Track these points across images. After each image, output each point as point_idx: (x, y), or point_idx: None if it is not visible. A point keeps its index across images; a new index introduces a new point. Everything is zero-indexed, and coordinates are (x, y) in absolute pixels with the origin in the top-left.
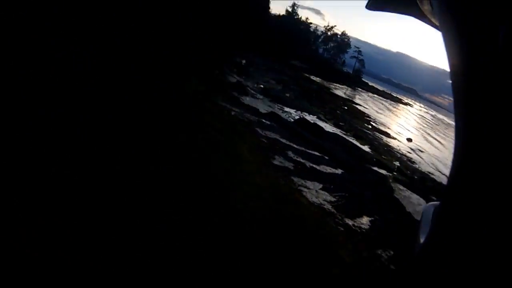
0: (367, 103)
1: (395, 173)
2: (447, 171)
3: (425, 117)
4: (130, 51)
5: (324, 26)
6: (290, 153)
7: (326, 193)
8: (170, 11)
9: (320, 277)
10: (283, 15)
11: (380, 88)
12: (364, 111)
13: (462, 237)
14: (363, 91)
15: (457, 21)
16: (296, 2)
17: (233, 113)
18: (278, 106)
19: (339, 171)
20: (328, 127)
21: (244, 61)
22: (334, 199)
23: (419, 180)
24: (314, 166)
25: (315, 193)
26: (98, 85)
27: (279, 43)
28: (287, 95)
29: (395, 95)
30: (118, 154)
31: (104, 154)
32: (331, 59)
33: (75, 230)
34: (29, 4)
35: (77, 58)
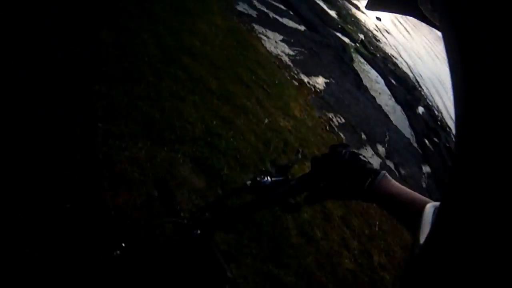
0: None
1: (357, 44)
2: (409, 60)
3: None
4: None
5: None
6: (255, 1)
7: (285, 45)
8: None
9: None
10: None
11: None
12: None
13: (466, 238)
14: None
15: (457, 21)
16: None
17: None
18: None
19: (302, 28)
20: None
21: None
22: (293, 53)
23: (381, 59)
24: (277, 17)
25: (274, 44)
26: None
27: None
28: None
29: None
30: None
31: None
32: None
33: None
34: None
35: None
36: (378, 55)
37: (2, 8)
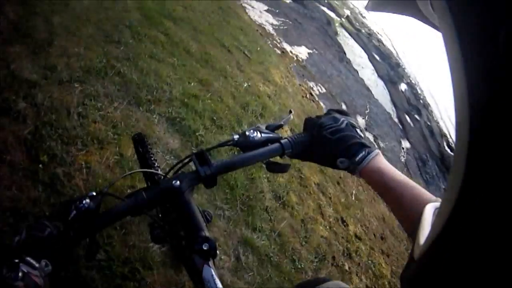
0: None
1: (343, 20)
2: (394, 38)
3: None
4: None
5: None
6: None
7: (269, 15)
8: None
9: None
10: None
11: None
12: None
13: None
14: None
15: (457, 21)
16: None
17: None
18: None
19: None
20: None
21: None
22: (277, 23)
23: (366, 35)
24: None
25: (259, 13)
26: None
27: None
28: None
29: None
30: None
31: None
32: None
33: None
34: None
35: None
36: (363, 30)
37: None
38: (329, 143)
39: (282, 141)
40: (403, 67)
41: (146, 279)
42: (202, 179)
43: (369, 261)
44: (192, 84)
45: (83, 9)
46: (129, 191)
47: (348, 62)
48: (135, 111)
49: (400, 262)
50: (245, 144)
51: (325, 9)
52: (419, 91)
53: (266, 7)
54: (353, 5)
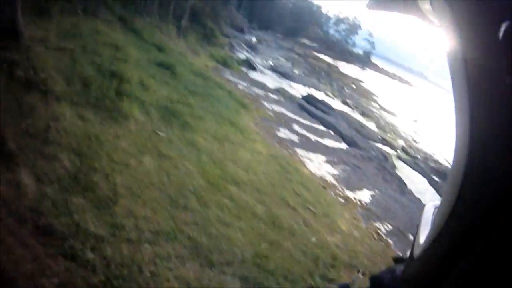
0: (375, 83)
1: (398, 151)
2: (449, 153)
3: (432, 100)
4: None
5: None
6: (296, 126)
7: (328, 165)
8: None
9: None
10: None
11: (390, 70)
12: (371, 90)
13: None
14: (372, 71)
15: (457, 20)
16: None
17: (240, 87)
18: (286, 82)
19: (343, 146)
20: (335, 104)
21: (254, 39)
22: (337, 171)
23: (422, 160)
24: (318, 139)
25: (318, 165)
26: None
27: (290, 22)
28: (296, 72)
29: (404, 78)
30: None
31: None
32: (342, 40)
33: None
34: None
35: None
36: (418, 156)
37: None
38: None
39: None
40: None
41: None
42: None
43: None
44: (262, 245)
45: (145, 172)
46: None
47: (410, 192)
48: (208, 272)
49: None
50: None
51: (379, 145)
52: None
53: (324, 158)
54: (405, 133)
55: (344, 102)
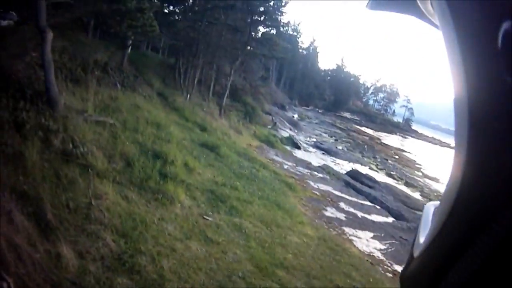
0: (416, 151)
1: None
2: None
3: None
4: None
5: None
6: (342, 204)
7: (376, 241)
8: None
9: None
10: (333, 68)
11: (429, 135)
12: (414, 158)
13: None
14: (413, 138)
15: (457, 20)
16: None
17: (285, 166)
18: (330, 158)
19: (390, 219)
20: (379, 177)
21: (295, 116)
22: (384, 247)
23: None
24: (365, 216)
25: (366, 242)
26: None
27: (330, 96)
28: (339, 147)
29: (444, 141)
30: None
31: None
32: (382, 109)
33: None
34: None
35: None
36: None
37: None
38: None
39: None
40: None
41: None
42: None
43: None
44: None
45: (193, 257)
46: None
47: None
48: None
49: None
50: None
51: None
52: None
53: (371, 234)
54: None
55: (388, 174)
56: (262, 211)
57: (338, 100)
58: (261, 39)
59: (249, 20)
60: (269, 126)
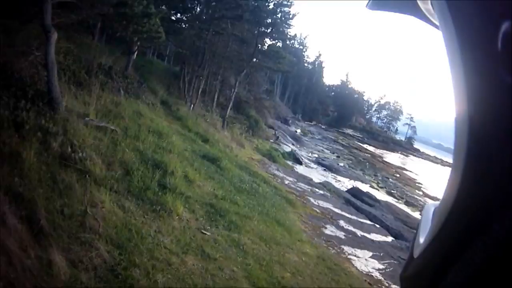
0: (418, 170)
1: None
2: None
3: None
4: None
5: (380, 97)
6: (342, 222)
7: (375, 261)
8: None
9: None
10: (337, 84)
11: (431, 153)
12: (415, 177)
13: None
14: (415, 157)
15: (457, 20)
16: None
17: (286, 182)
18: (331, 175)
19: (389, 239)
20: (380, 195)
21: (298, 130)
22: (383, 266)
23: None
24: (365, 234)
25: (365, 262)
26: None
27: (334, 112)
28: (341, 164)
29: (445, 160)
30: None
31: None
32: (384, 127)
33: None
34: None
35: None
36: None
37: None
38: None
39: None
40: None
41: None
42: None
43: None
44: None
45: (188, 272)
46: None
47: None
48: None
49: None
50: None
51: None
52: None
53: (370, 253)
54: None
55: (389, 193)
56: (261, 227)
57: (342, 116)
58: (267, 52)
59: (256, 32)
60: (272, 140)
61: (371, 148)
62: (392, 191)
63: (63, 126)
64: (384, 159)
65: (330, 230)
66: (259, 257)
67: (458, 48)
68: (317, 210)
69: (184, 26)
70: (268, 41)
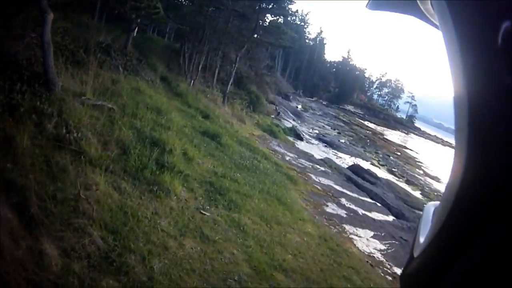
0: (418, 149)
1: None
2: None
3: None
4: None
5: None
6: (343, 200)
7: (376, 241)
8: None
9: None
10: (339, 61)
11: (432, 133)
12: (415, 156)
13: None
14: (416, 136)
15: (457, 20)
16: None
17: (287, 158)
18: (332, 151)
19: (390, 218)
20: (381, 173)
21: (299, 106)
22: (384, 247)
23: None
24: (366, 213)
25: (366, 241)
26: None
27: (335, 88)
28: (342, 140)
29: (446, 140)
30: None
31: None
32: (385, 105)
33: None
34: None
35: None
36: None
37: None
38: None
39: None
40: None
41: None
42: None
43: None
44: None
45: (186, 256)
46: None
47: None
48: None
49: None
50: None
51: None
52: None
53: (372, 233)
54: None
55: (390, 171)
56: (262, 206)
57: (343, 93)
58: (268, 27)
59: (257, 7)
60: (273, 116)
61: (372, 125)
62: (393, 169)
63: (58, 107)
64: (385, 136)
65: (331, 208)
66: (260, 238)
67: (458, 48)
68: (318, 187)
69: (184, 2)
70: (269, 17)
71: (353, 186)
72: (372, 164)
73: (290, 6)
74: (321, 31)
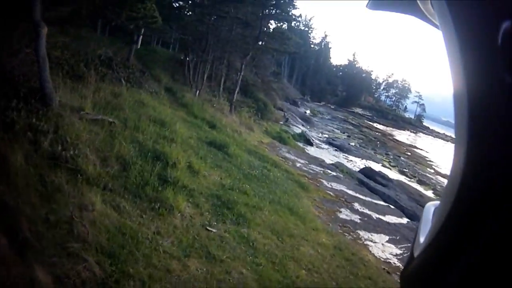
0: (428, 148)
1: None
2: None
3: None
4: None
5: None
6: (356, 205)
7: (392, 245)
8: None
9: None
10: (345, 64)
11: (440, 131)
12: (425, 155)
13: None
14: (425, 135)
15: (457, 20)
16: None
17: (298, 164)
18: (343, 155)
19: (404, 220)
20: (392, 174)
21: (308, 111)
22: (400, 251)
23: None
24: (380, 217)
25: (381, 247)
26: None
27: (342, 92)
28: (352, 144)
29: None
30: None
31: None
32: (393, 105)
33: None
34: None
35: None
36: None
37: None
38: None
39: None
40: None
41: None
42: None
43: None
44: None
45: (191, 279)
46: None
47: None
48: None
49: None
50: None
51: None
52: None
53: (387, 237)
54: None
55: (401, 172)
56: (273, 218)
57: (350, 96)
58: (272, 34)
59: (260, 14)
60: (281, 122)
61: (381, 127)
62: (404, 169)
63: (55, 123)
64: (395, 137)
65: (345, 214)
66: (271, 254)
67: (458, 48)
68: (331, 193)
69: (186, 12)
70: (273, 23)
71: (366, 189)
72: (383, 165)
73: (293, 12)
74: (326, 35)
